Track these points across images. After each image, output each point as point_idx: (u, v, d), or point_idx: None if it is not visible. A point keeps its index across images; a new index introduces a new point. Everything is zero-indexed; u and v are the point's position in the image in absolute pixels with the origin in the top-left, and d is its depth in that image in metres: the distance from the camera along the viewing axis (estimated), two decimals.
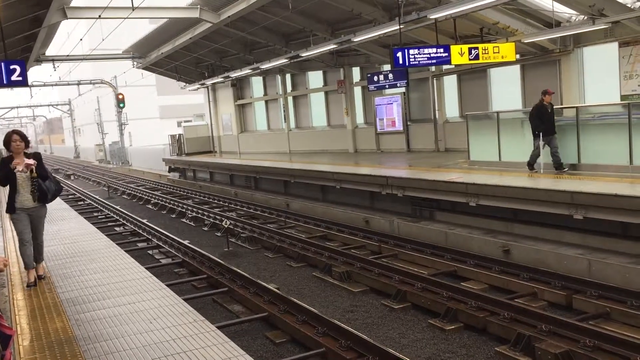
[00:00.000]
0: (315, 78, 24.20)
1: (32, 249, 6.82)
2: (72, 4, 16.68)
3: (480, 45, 12.72)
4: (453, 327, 7.07)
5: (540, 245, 9.31)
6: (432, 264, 9.71)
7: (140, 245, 13.21)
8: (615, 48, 12.97)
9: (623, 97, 12.68)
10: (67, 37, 27.80)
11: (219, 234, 14.04)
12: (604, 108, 12.09)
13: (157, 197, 21.50)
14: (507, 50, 13.01)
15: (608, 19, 11.65)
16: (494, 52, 12.86)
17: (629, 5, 11.63)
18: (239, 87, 29.05)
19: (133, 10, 15.00)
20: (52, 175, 6.99)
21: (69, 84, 38.93)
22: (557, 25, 12.84)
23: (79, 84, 38.57)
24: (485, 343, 6.65)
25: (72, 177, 35.08)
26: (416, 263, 9.98)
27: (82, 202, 21.70)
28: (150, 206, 20.38)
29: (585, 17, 12.17)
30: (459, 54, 12.49)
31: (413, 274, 8.80)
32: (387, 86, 16.51)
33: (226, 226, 12.46)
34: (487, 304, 7.20)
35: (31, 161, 6.55)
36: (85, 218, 12.73)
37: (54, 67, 25.43)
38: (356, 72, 21.80)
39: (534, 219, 10.10)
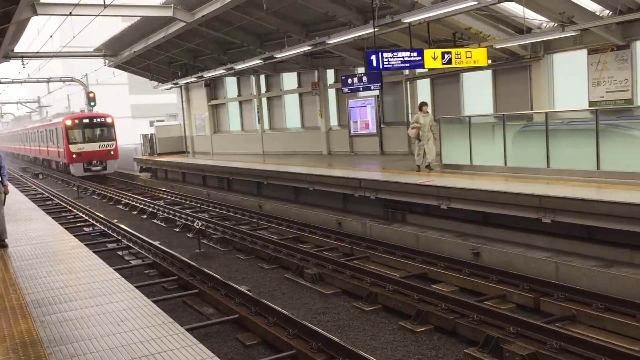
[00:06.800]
0: (289, 79, 24.17)
1: None
2: (43, 0, 16.38)
3: (453, 50, 12.86)
4: (423, 329, 7.12)
5: (509, 248, 9.44)
6: (404, 266, 9.77)
7: (109, 246, 13.00)
8: (584, 55, 13.25)
9: (591, 104, 12.95)
10: (37, 33, 27.33)
11: (190, 235, 13.91)
12: (572, 114, 12.31)
13: (127, 197, 21.22)
14: (479, 55, 13.18)
15: (577, 26, 11.88)
16: (466, 57, 13.02)
17: (598, 14, 11.89)
18: (213, 87, 28.86)
19: (105, 7, 14.81)
20: None
21: (38, 81, 38.16)
22: (528, 32, 13.06)
23: (48, 81, 37.83)
24: (454, 345, 6.72)
25: (40, 177, 34.38)
26: (388, 265, 10.02)
27: (50, 202, 21.28)
28: (120, 206, 20.11)
29: (555, 24, 12.40)
30: (432, 58, 12.61)
31: (384, 276, 8.85)
32: (361, 89, 16.58)
33: (198, 227, 12.35)
34: (457, 306, 7.27)
35: None
36: (53, 218, 12.48)
37: (22, 64, 24.94)
38: (330, 74, 21.83)
39: (504, 222, 10.24)
